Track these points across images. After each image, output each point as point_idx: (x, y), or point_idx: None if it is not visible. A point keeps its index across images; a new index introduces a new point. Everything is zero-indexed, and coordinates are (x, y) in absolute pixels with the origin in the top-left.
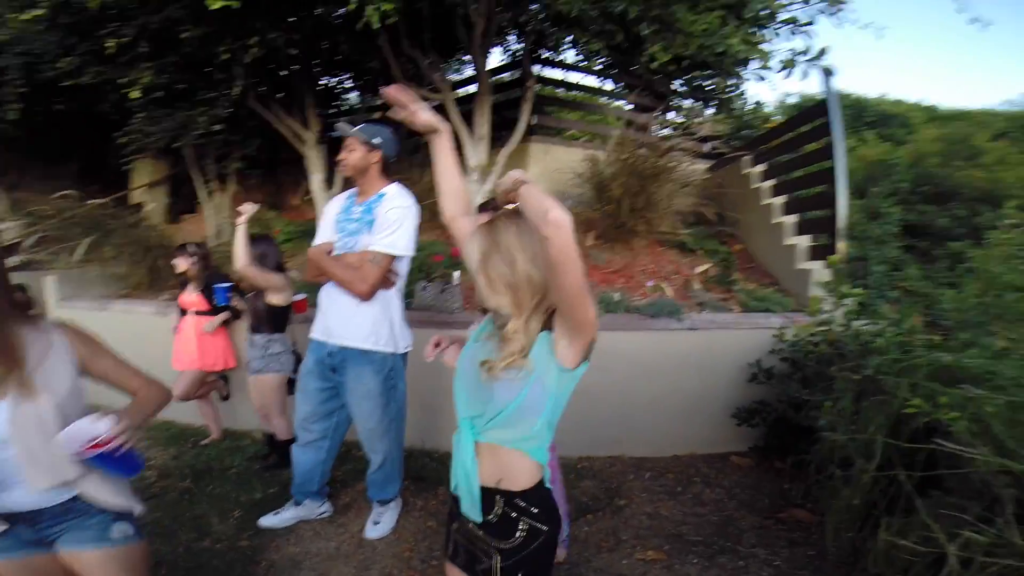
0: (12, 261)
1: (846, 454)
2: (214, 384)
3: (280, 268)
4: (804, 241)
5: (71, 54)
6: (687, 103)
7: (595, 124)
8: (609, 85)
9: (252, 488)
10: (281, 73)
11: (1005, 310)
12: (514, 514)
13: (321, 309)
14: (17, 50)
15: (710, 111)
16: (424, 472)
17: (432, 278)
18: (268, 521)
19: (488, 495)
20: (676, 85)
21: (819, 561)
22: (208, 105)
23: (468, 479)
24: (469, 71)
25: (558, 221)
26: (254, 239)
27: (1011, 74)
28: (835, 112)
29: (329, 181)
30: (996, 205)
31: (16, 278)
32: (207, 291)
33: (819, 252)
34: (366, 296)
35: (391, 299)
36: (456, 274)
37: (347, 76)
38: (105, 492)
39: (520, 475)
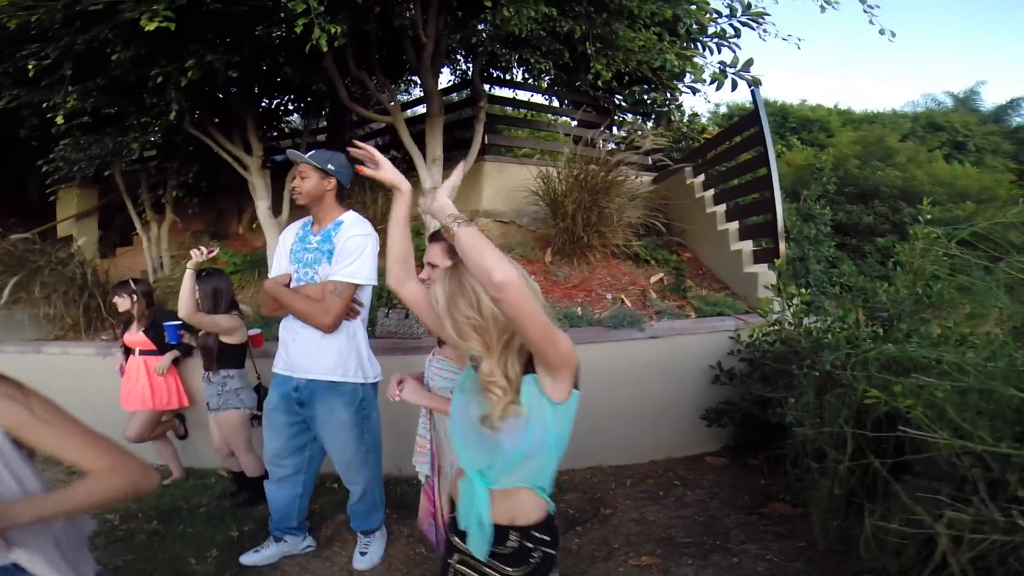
0: None
1: (818, 446)
2: (170, 423)
3: (234, 304)
4: (748, 246)
5: None
6: (629, 117)
7: (545, 141)
8: (556, 102)
9: (226, 526)
10: (218, 96)
11: (935, 298)
12: (530, 544)
13: (283, 343)
14: None
15: (650, 124)
16: (405, 499)
17: (393, 305)
18: (250, 559)
19: (501, 531)
20: (618, 100)
21: (810, 552)
22: (140, 130)
23: (482, 525)
24: (416, 92)
25: (503, 283)
26: (205, 274)
27: (913, 71)
28: (765, 122)
29: (276, 208)
30: (912, 201)
31: None
32: (153, 329)
33: (762, 256)
34: (329, 328)
35: (357, 329)
36: None
37: (288, 98)
38: (40, 563)
39: (532, 511)
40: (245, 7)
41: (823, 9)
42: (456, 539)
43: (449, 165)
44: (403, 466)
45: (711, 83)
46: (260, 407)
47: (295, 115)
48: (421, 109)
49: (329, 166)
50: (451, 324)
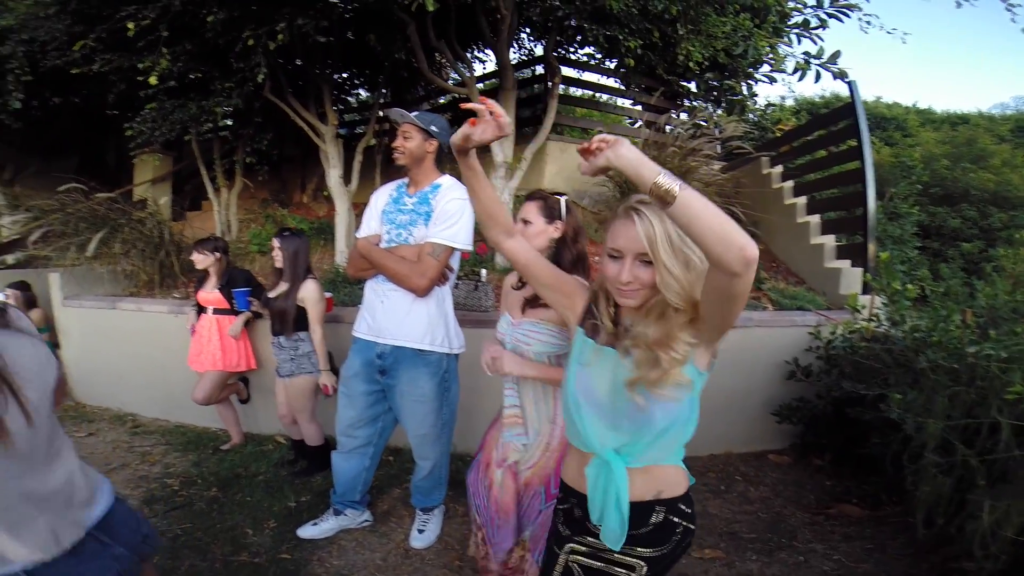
0: (14, 257)
1: (920, 443)
2: (235, 386)
3: (309, 268)
4: (831, 241)
5: (84, 39)
6: (699, 103)
7: (613, 124)
8: (614, 83)
9: (284, 496)
10: (296, 64)
11: None
12: (675, 519)
13: (368, 305)
14: (22, 37)
15: (718, 112)
16: (459, 476)
17: (461, 276)
18: (307, 532)
19: (644, 508)
20: (691, 86)
21: (879, 554)
22: (223, 96)
23: (620, 508)
24: (479, 67)
25: (753, 260)
26: (287, 234)
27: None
28: (862, 115)
29: (347, 177)
30: (1004, 206)
31: (20, 275)
32: (226, 288)
33: (847, 251)
34: (423, 292)
35: (446, 296)
36: (484, 271)
37: (356, 70)
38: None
39: (678, 483)
40: None
41: (959, 5)
42: (566, 529)
43: (519, 141)
44: (460, 442)
45: (794, 73)
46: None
47: (361, 88)
48: (482, 84)
49: (433, 127)
50: (676, 263)
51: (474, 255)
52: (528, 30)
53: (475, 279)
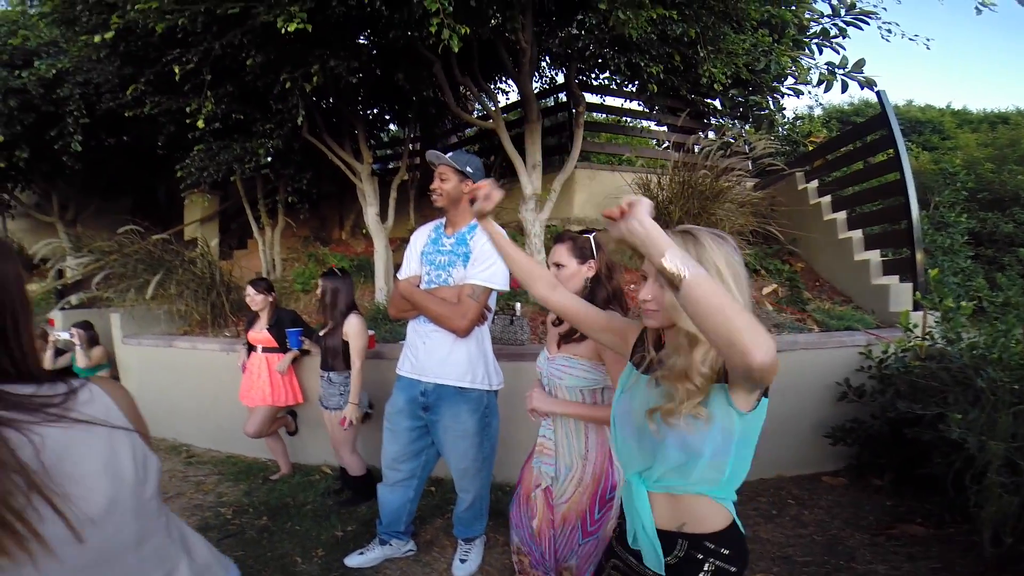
0: (78, 297)
1: (983, 463)
2: (284, 420)
3: (352, 305)
4: (876, 256)
5: (134, 83)
6: (725, 121)
7: (640, 148)
8: (637, 106)
9: (331, 525)
10: (330, 104)
11: None
12: (700, 555)
13: (411, 346)
14: (77, 79)
15: (746, 128)
16: (500, 506)
17: (496, 311)
18: (354, 561)
19: (668, 538)
20: (715, 104)
21: (946, 573)
22: (265, 137)
23: (646, 530)
24: (503, 98)
25: (765, 366)
26: (330, 274)
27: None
28: (895, 124)
29: (382, 213)
30: None
31: (83, 315)
32: (276, 327)
33: (894, 266)
34: (464, 332)
35: (484, 335)
36: (518, 306)
37: (387, 106)
38: None
39: (707, 518)
40: (369, 9)
41: (979, 11)
42: (618, 546)
43: (547, 171)
44: (499, 472)
45: (819, 84)
46: (371, 406)
47: (392, 124)
48: (507, 114)
49: (468, 169)
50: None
51: (510, 290)
52: (548, 59)
53: (510, 314)
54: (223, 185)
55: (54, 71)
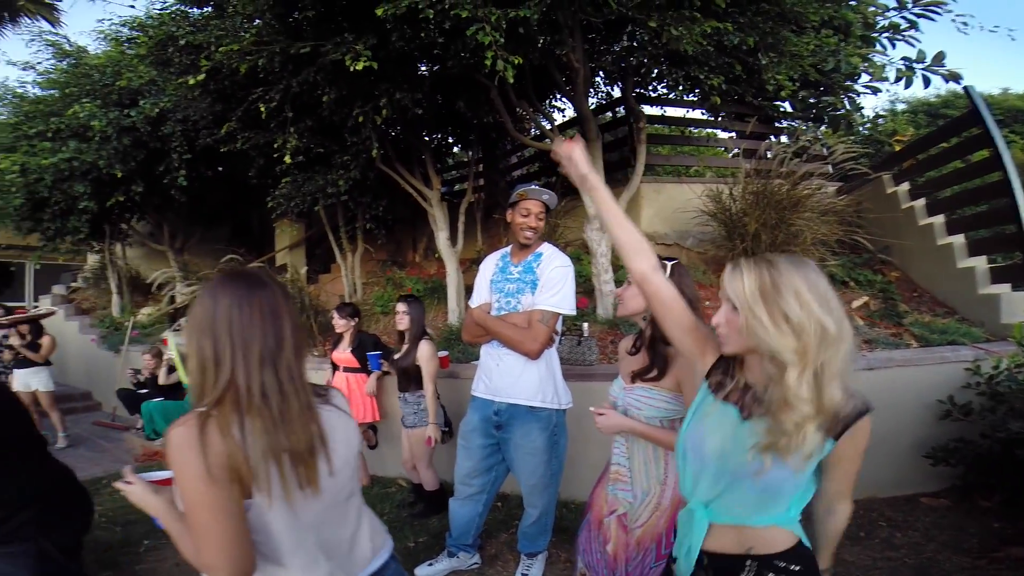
0: (185, 320)
1: None
2: (364, 434)
3: (424, 331)
4: (982, 263)
5: (227, 120)
6: (798, 124)
7: (707, 158)
8: (701, 115)
9: (404, 536)
10: (398, 134)
11: None
12: (771, 574)
13: (485, 368)
14: (177, 116)
15: (821, 130)
16: (563, 523)
17: (563, 332)
18: (424, 572)
19: (736, 561)
20: (786, 107)
21: None
22: (343, 168)
23: (688, 556)
24: (559, 115)
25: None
26: (407, 299)
27: None
28: (990, 120)
29: (453, 238)
30: None
31: None
32: (359, 349)
33: (1004, 273)
34: (535, 355)
35: (553, 357)
36: (585, 326)
37: (449, 131)
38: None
39: (776, 539)
40: (426, 42)
41: None
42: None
43: (610, 187)
44: (563, 490)
45: (897, 81)
46: (447, 424)
47: (455, 147)
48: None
49: (552, 204)
50: (765, 315)
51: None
52: (603, 75)
53: (577, 334)
54: (308, 213)
55: (157, 110)
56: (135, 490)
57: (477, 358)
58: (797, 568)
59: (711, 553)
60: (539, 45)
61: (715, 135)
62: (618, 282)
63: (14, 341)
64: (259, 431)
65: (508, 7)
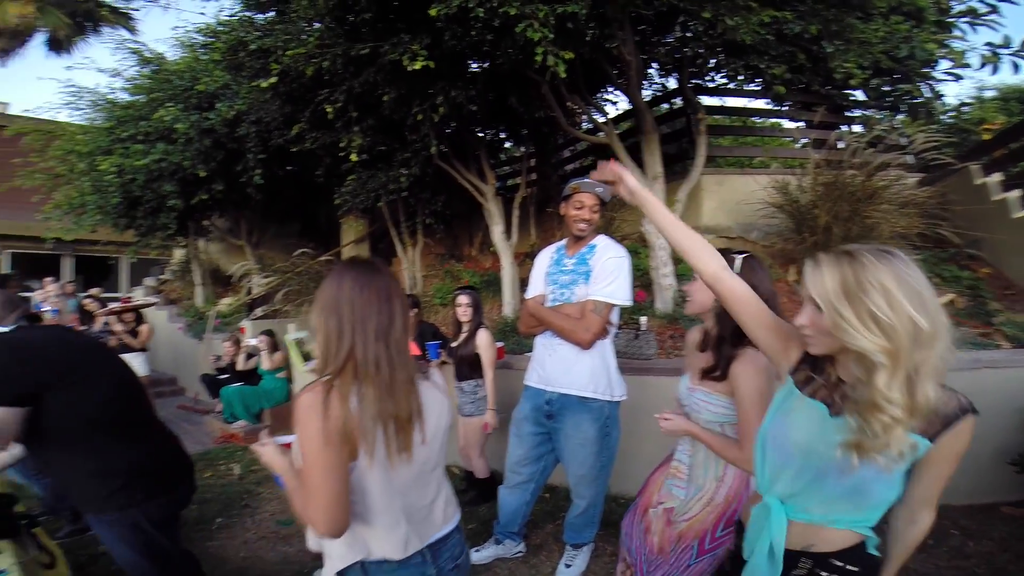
0: (262, 310)
1: None
2: None
3: (480, 322)
4: None
5: (296, 121)
6: (872, 113)
7: (772, 148)
8: (764, 104)
9: None
10: (454, 130)
11: None
12: (824, 574)
13: (537, 358)
14: (251, 119)
15: (898, 118)
16: (612, 517)
17: (621, 325)
18: (471, 557)
19: (790, 556)
20: (856, 96)
21: None
22: (403, 165)
23: (773, 556)
24: (612, 108)
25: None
26: (465, 290)
27: None
28: None
29: (508, 232)
30: None
31: (268, 325)
32: (419, 339)
33: None
34: (587, 345)
35: (607, 348)
36: (643, 320)
37: (502, 128)
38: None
39: (838, 538)
40: (477, 39)
41: None
42: (731, 567)
43: (669, 180)
44: (614, 484)
45: (982, 67)
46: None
47: (508, 143)
48: (618, 125)
49: (606, 196)
50: (851, 314)
51: (634, 303)
52: (657, 66)
53: (634, 328)
54: (371, 210)
55: (233, 112)
56: (267, 451)
57: (531, 350)
58: (855, 569)
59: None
60: (588, 39)
61: (780, 125)
62: (678, 276)
63: (117, 328)
64: (371, 398)
65: (556, 3)
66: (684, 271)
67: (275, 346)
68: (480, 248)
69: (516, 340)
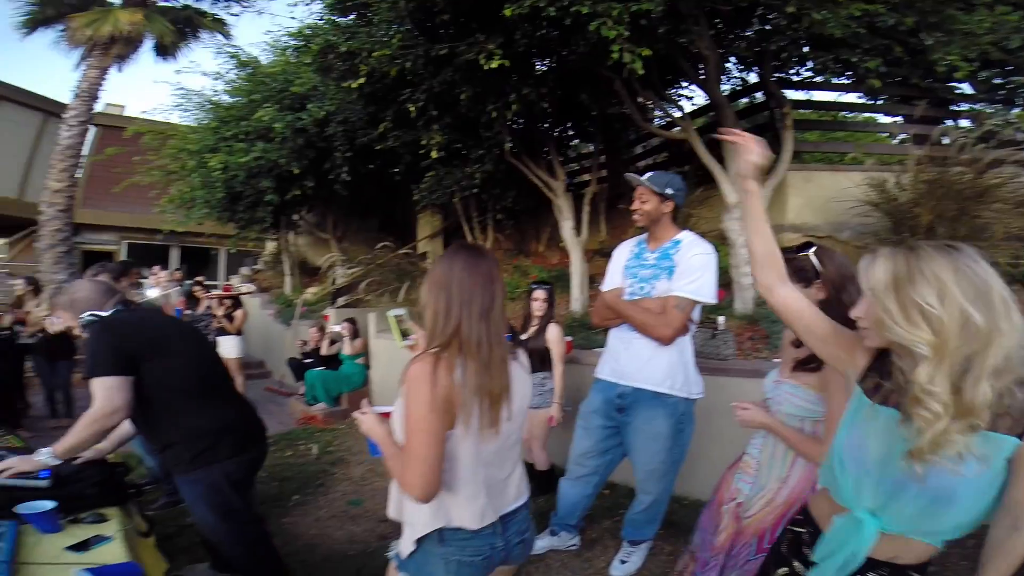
0: (345, 299)
1: None
2: None
3: (552, 316)
4: None
5: (380, 120)
6: (980, 107)
7: (866, 144)
8: (857, 98)
9: None
10: (524, 127)
11: None
12: None
13: (612, 351)
14: (339, 119)
15: (1017, 112)
16: (673, 517)
17: (699, 323)
18: None
19: (869, 562)
20: (966, 89)
21: None
22: (478, 162)
23: (846, 568)
24: (687, 102)
25: None
26: (539, 284)
27: None
28: None
29: (578, 228)
30: None
31: (350, 313)
32: None
33: None
34: (667, 340)
35: (687, 345)
36: (722, 319)
37: (571, 124)
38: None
39: (919, 553)
40: (547, 38)
41: None
42: (788, 550)
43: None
44: (679, 485)
45: None
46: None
47: (576, 139)
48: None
49: (668, 190)
50: (896, 306)
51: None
52: (736, 60)
53: (712, 327)
54: (445, 205)
55: (323, 112)
56: (367, 419)
57: (599, 345)
58: None
59: None
60: (662, 35)
61: (874, 120)
62: None
63: (218, 312)
64: (473, 372)
65: (630, 0)
66: None
67: (356, 333)
68: (547, 244)
69: (584, 335)
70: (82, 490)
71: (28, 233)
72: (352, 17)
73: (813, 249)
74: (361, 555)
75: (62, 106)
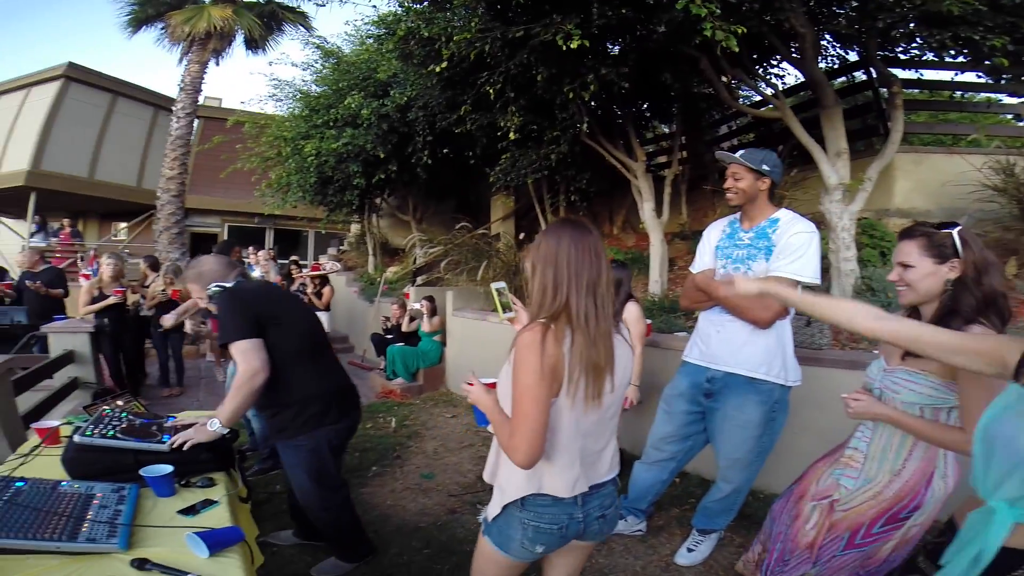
0: (423, 278)
1: None
2: None
3: (631, 295)
4: None
5: (459, 104)
6: None
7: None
8: (972, 77)
9: None
10: (601, 107)
11: None
12: None
13: (702, 334)
14: (419, 104)
15: None
16: (747, 510)
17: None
18: None
19: (1015, 555)
20: None
21: None
22: (553, 143)
23: (977, 562)
24: (778, 81)
25: None
26: (615, 264)
27: None
28: None
29: (658, 209)
30: None
31: (429, 291)
32: None
33: None
34: (766, 324)
35: (785, 329)
36: None
37: (651, 103)
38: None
39: None
40: (627, 16)
41: None
42: (925, 562)
43: (853, 158)
44: (758, 478)
45: None
46: None
47: (655, 119)
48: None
49: (764, 167)
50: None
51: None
52: (833, 38)
53: (805, 315)
54: (518, 187)
55: (404, 98)
56: (475, 390)
57: (680, 329)
58: None
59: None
60: (754, 12)
61: (996, 100)
62: (862, 261)
63: (309, 289)
64: (580, 344)
65: None
66: (869, 256)
67: (434, 311)
68: (622, 226)
69: (664, 319)
70: (197, 455)
71: (146, 217)
72: (426, 3)
73: (958, 228)
74: (431, 527)
75: (170, 100)
